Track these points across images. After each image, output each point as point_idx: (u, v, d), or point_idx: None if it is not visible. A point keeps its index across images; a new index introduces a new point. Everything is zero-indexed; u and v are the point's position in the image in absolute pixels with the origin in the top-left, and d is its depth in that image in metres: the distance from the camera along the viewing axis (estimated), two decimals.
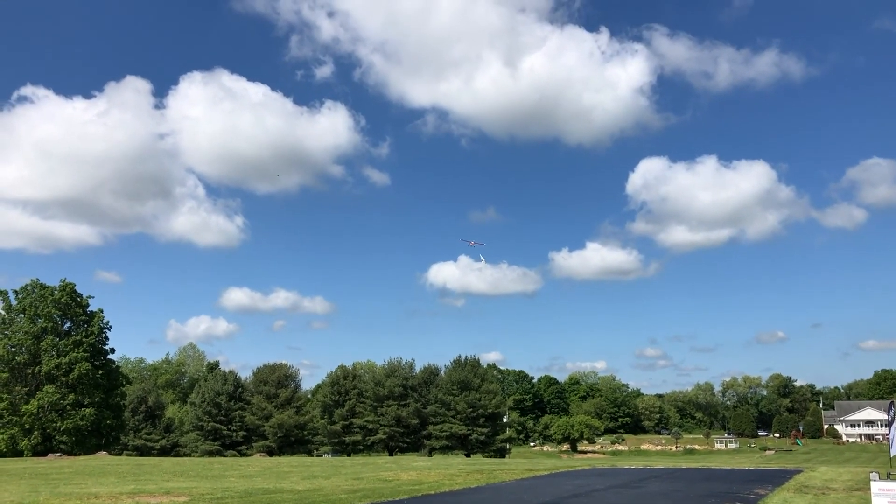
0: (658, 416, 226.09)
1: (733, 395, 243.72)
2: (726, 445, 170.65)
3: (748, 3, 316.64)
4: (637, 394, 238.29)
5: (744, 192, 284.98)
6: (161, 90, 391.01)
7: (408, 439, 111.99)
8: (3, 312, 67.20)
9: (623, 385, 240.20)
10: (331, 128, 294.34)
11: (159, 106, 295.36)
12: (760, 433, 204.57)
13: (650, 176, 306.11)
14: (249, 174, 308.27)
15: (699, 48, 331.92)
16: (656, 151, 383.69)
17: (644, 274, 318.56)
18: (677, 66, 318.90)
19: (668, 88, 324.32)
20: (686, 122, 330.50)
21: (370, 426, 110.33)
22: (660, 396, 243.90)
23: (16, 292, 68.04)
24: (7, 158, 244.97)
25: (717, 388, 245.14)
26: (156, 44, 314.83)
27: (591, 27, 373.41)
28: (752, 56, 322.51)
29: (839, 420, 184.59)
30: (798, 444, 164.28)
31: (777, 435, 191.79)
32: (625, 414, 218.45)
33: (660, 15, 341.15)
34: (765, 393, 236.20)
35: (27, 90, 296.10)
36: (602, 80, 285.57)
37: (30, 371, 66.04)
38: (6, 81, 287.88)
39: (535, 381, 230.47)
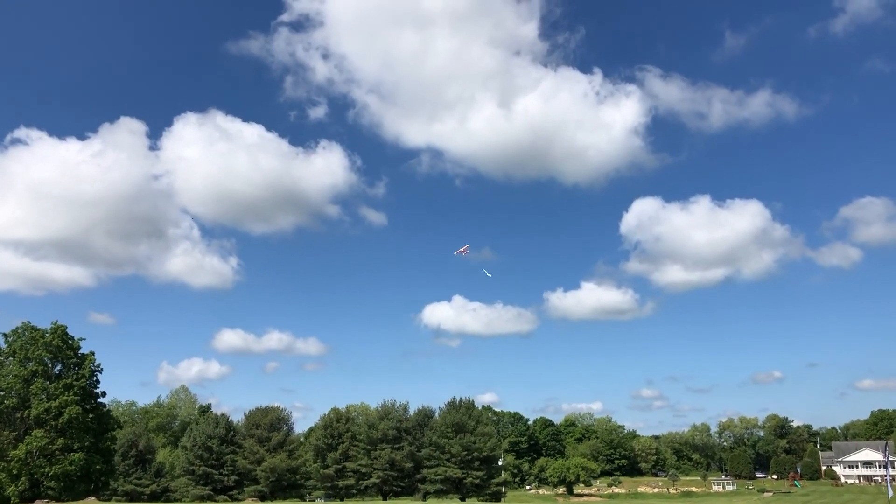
0: (655, 457, 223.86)
1: (730, 437, 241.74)
2: (724, 487, 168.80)
3: (740, 45, 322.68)
4: (633, 435, 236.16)
5: (738, 232, 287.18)
6: (156, 131, 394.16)
7: (402, 483, 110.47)
8: None
9: (619, 426, 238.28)
10: (326, 168, 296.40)
11: (154, 147, 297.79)
12: (758, 475, 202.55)
13: (644, 216, 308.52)
14: (244, 215, 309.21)
15: (692, 89, 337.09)
16: (650, 191, 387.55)
17: (640, 314, 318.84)
18: (671, 107, 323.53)
19: (662, 129, 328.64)
20: (680, 162, 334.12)
21: (363, 470, 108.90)
22: (656, 438, 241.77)
23: (5, 335, 67.51)
24: (1, 199, 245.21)
25: (714, 429, 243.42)
26: (150, 85, 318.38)
27: (585, 69, 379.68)
28: (745, 97, 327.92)
29: (837, 461, 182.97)
30: (797, 485, 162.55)
31: (775, 476, 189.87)
32: (621, 456, 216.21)
33: (653, 57, 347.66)
34: (762, 434, 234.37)
35: (21, 132, 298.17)
36: (596, 120, 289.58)
37: (18, 415, 65.18)
38: (0, 124, 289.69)
39: (530, 422, 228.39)
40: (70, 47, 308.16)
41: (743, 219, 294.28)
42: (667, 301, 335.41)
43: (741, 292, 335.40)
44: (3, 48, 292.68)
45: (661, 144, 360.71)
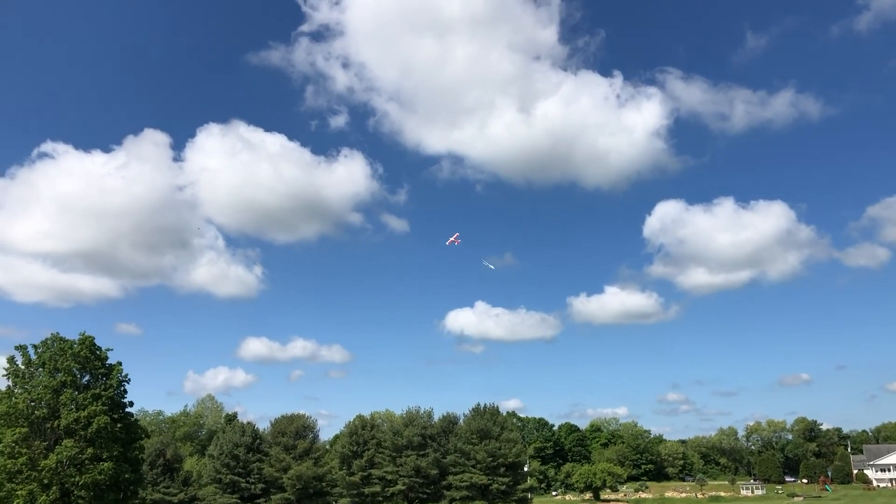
0: (682, 462, 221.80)
1: (758, 440, 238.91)
2: (752, 492, 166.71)
3: (762, 45, 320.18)
4: (659, 440, 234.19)
5: (763, 233, 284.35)
6: (179, 142, 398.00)
7: (427, 490, 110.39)
8: (22, 367, 67.37)
9: (645, 431, 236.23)
10: (348, 176, 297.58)
11: (178, 158, 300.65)
12: (787, 479, 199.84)
13: (667, 219, 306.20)
14: (268, 224, 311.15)
15: (714, 90, 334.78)
16: (673, 194, 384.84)
17: (664, 317, 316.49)
18: (693, 109, 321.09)
19: (684, 131, 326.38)
20: (703, 164, 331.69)
21: (389, 477, 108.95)
22: (683, 442, 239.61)
23: (35, 347, 68.26)
24: (28, 213, 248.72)
25: (741, 433, 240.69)
26: (173, 97, 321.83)
27: (606, 72, 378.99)
28: (768, 97, 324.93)
29: (868, 465, 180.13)
30: (827, 489, 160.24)
31: (805, 481, 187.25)
32: (647, 461, 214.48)
33: (673, 59, 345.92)
34: (790, 437, 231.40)
35: (47, 146, 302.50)
36: (617, 123, 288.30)
37: (49, 425, 65.89)
38: (27, 138, 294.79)
39: (555, 428, 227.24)
40: (94, 61, 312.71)
41: (767, 220, 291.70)
42: (691, 304, 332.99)
43: (767, 294, 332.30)
44: (28, 64, 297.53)
45: (683, 147, 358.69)
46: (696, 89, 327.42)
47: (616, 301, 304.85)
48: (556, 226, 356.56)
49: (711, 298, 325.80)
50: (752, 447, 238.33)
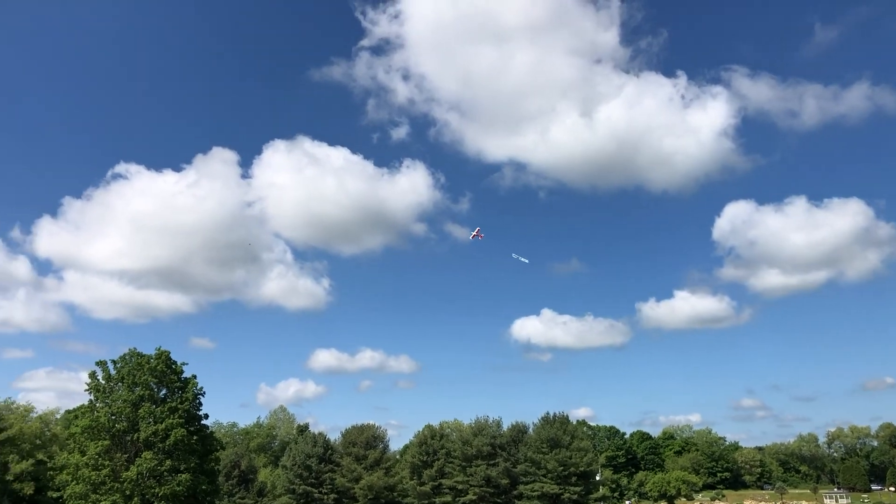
0: (759, 470, 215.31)
1: (840, 447, 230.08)
2: (837, 501, 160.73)
3: (832, 37, 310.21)
4: (735, 447, 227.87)
5: (839, 232, 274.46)
6: (247, 160, 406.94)
7: (498, 500, 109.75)
8: (103, 382, 69.67)
9: (720, 438, 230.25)
10: (411, 186, 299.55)
11: (245, 175, 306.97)
12: (874, 487, 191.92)
13: (737, 220, 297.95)
14: (334, 237, 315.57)
15: (783, 87, 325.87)
16: (743, 194, 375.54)
17: (737, 321, 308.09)
18: (761, 107, 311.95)
19: (752, 130, 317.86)
20: (773, 162, 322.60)
21: (460, 487, 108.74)
22: (760, 449, 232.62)
23: (114, 362, 70.57)
24: (104, 232, 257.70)
25: (822, 440, 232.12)
26: (240, 115, 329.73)
27: (669, 72, 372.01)
28: (840, 91, 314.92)
29: None
30: None
31: (893, 489, 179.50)
32: (723, 468, 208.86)
33: (739, 56, 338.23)
34: (875, 444, 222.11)
35: (121, 167, 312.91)
36: (683, 124, 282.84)
37: (129, 438, 67.92)
38: (102, 161, 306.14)
39: (627, 436, 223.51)
40: (163, 84, 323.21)
41: (843, 218, 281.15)
42: (765, 307, 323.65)
43: (846, 295, 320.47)
44: (101, 90, 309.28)
45: (752, 146, 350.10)
46: (763, 86, 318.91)
47: (686, 305, 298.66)
48: (623, 230, 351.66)
49: (786, 301, 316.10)
50: (835, 454, 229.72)
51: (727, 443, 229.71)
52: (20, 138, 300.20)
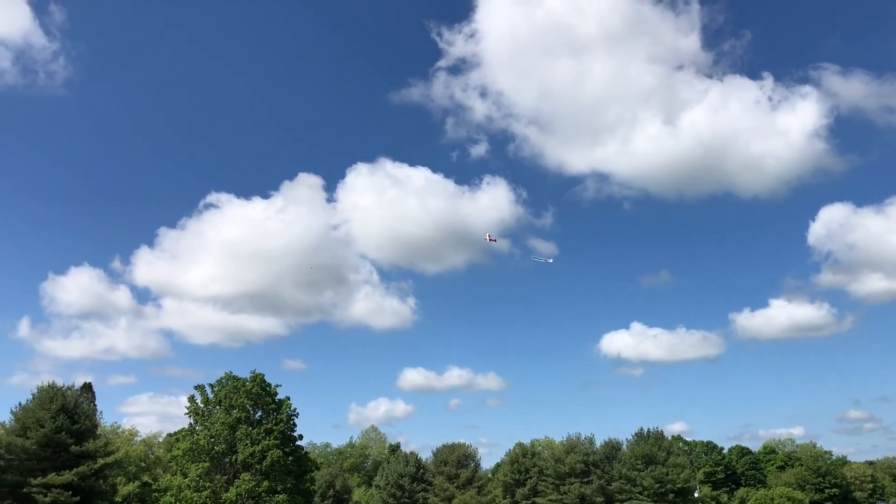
0: (871, 486, 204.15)
1: None
2: None
3: None
4: (843, 461, 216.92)
5: None
6: (331, 184, 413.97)
7: None
8: (201, 405, 71.86)
9: (825, 452, 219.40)
10: (492, 203, 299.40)
11: (330, 199, 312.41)
12: None
13: (834, 223, 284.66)
14: (418, 256, 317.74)
15: (878, 82, 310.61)
16: (839, 197, 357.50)
17: (838, 329, 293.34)
18: (855, 105, 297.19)
19: (846, 129, 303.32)
20: (871, 162, 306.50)
21: None
22: (870, 464, 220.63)
23: (211, 386, 72.77)
24: (198, 260, 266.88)
25: None
26: (323, 141, 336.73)
27: (754, 75, 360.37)
28: None
29: None
30: None
31: None
32: (831, 484, 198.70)
33: (828, 53, 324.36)
34: None
35: (212, 197, 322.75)
36: (772, 127, 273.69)
37: (227, 460, 69.73)
38: (194, 192, 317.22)
39: (725, 451, 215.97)
40: (249, 116, 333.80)
41: None
42: (869, 313, 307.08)
43: None
44: (191, 126, 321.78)
45: (847, 146, 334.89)
46: (856, 83, 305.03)
47: (783, 314, 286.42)
48: (713, 238, 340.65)
49: (892, 306, 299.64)
50: None
51: (833, 457, 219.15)
52: (117, 174, 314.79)
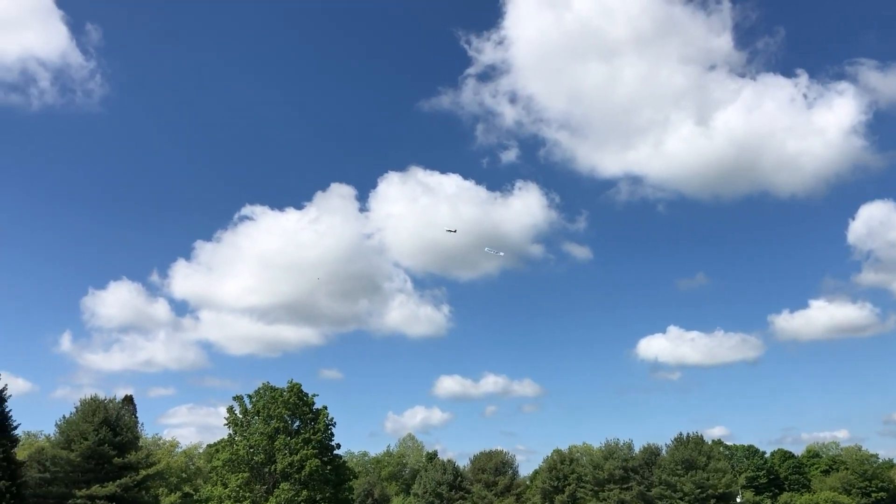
0: None
1: None
2: None
3: None
4: (890, 465, 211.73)
5: None
6: (363, 193, 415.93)
7: None
8: (240, 416, 72.61)
9: (872, 455, 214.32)
10: (525, 208, 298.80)
11: (363, 208, 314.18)
12: None
13: (874, 221, 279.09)
14: (451, 263, 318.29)
15: None
16: (879, 194, 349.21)
17: (882, 329, 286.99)
18: (893, 100, 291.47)
19: (886, 125, 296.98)
20: None
21: None
22: None
23: (250, 396, 73.51)
24: (234, 272, 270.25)
25: None
26: (355, 151, 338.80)
27: (788, 72, 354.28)
28: None
29: None
30: None
31: None
32: (878, 489, 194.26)
33: (864, 48, 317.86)
34: None
35: (247, 209, 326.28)
36: (808, 125, 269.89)
37: (267, 470, 70.35)
38: (229, 204, 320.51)
39: (767, 455, 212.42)
40: (282, 128, 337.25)
41: None
42: None
43: None
44: (225, 141, 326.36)
45: (887, 142, 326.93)
46: (895, 78, 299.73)
47: (824, 315, 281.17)
48: (750, 239, 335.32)
49: None
50: None
51: (880, 460, 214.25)
52: (153, 189, 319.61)
